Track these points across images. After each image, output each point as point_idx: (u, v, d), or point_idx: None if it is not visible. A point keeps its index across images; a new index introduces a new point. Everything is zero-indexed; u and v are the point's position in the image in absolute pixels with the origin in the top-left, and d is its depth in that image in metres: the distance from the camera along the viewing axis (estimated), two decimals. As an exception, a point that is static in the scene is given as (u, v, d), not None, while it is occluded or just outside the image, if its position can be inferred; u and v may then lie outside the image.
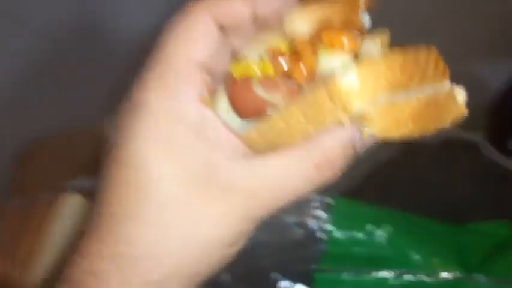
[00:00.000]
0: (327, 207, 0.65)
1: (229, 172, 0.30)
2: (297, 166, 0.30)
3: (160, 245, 0.31)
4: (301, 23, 0.32)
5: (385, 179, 0.76)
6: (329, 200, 0.65)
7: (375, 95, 0.28)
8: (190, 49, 0.31)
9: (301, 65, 0.31)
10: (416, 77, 0.29)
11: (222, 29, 0.32)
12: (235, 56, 0.35)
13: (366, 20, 0.34)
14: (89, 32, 1.04)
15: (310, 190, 0.31)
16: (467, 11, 0.96)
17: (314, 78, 0.31)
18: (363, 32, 0.32)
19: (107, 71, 1.05)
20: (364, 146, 0.31)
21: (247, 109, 0.33)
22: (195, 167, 0.30)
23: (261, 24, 0.33)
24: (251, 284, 0.65)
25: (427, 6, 0.96)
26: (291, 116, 0.30)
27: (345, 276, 0.62)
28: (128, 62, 1.04)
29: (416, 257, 0.62)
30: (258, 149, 0.32)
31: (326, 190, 0.70)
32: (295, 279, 0.64)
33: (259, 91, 0.32)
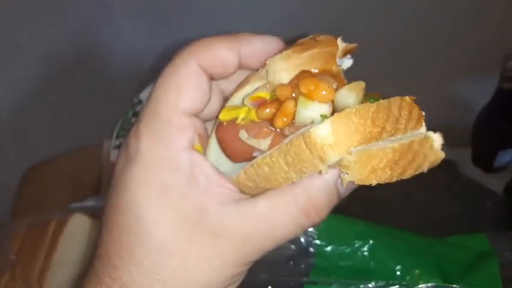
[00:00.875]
0: (315, 224, 0.67)
1: (220, 217, 0.31)
2: (285, 210, 0.31)
3: None
4: (283, 72, 0.33)
5: (368, 195, 0.79)
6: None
7: (349, 146, 0.29)
8: (178, 99, 0.32)
9: (281, 112, 0.32)
10: (388, 127, 0.30)
11: (211, 75, 0.33)
12: (225, 97, 0.37)
13: (347, 63, 0.35)
14: (88, 58, 1.08)
15: (297, 234, 0.32)
16: (450, 34, 1.00)
17: (294, 124, 0.31)
18: (340, 78, 0.33)
19: (106, 95, 1.09)
20: (347, 191, 0.33)
21: (235, 153, 0.35)
22: (187, 214, 0.31)
23: (246, 68, 0.35)
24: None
25: (411, 29, 0.99)
26: (274, 162, 0.31)
27: (334, 287, 0.65)
28: (124, 86, 1.08)
29: (398, 268, 0.65)
30: (248, 192, 0.33)
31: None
32: (288, 292, 0.67)
33: (243, 136, 0.33)
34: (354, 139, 0.29)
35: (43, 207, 0.86)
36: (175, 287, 0.31)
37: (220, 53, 0.33)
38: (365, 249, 0.66)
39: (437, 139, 0.32)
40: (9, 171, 1.01)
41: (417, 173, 0.31)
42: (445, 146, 0.90)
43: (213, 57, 0.33)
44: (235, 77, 0.36)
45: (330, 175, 0.31)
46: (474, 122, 1.02)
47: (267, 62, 0.34)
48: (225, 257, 0.31)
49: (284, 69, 0.33)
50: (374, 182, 0.30)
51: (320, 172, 0.30)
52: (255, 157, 0.33)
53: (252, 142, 0.33)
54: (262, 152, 0.33)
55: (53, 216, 0.77)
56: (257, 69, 0.35)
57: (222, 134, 0.35)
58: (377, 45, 0.97)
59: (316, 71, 0.34)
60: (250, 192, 0.33)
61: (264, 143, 0.33)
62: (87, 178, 0.95)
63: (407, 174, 0.31)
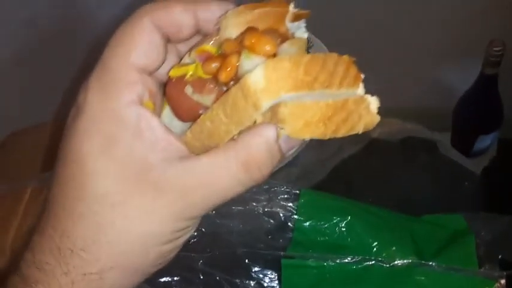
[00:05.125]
0: (295, 198, 0.68)
1: (163, 171, 0.31)
2: (225, 166, 0.31)
3: (95, 238, 0.31)
4: (233, 27, 0.34)
5: (348, 173, 0.80)
6: (297, 191, 0.68)
7: (280, 92, 0.28)
8: (128, 52, 0.32)
9: (225, 64, 0.32)
10: (321, 78, 0.30)
11: (167, 36, 0.33)
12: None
13: (298, 29, 0.35)
14: (70, 25, 1.05)
15: (240, 191, 0.32)
16: (433, 17, 1.00)
17: (238, 79, 0.31)
18: (286, 37, 0.33)
19: (87, 66, 1.07)
20: (289, 148, 0.32)
21: (182, 110, 0.34)
22: (130, 165, 0.31)
23: (201, 30, 0.34)
24: (226, 269, 0.68)
25: (393, 13, 0.99)
26: (215, 116, 0.31)
27: (310, 262, 0.66)
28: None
29: (375, 245, 0.65)
30: (195, 151, 0.33)
31: (296, 182, 0.74)
32: (265, 265, 0.68)
33: (189, 92, 0.33)
34: (285, 84, 0.29)
35: (20, 176, 0.84)
36: (116, 237, 0.31)
37: (175, 12, 0.33)
38: (343, 225, 0.66)
39: (373, 101, 0.32)
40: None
41: (351, 133, 0.31)
42: (427, 128, 0.90)
43: (167, 16, 0.33)
44: (193, 42, 0.35)
45: (270, 131, 0.30)
46: (455, 106, 1.03)
47: (220, 19, 0.34)
48: (165, 210, 0.31)
49: (234, 24, 0.34)
50: (307, 136, 0.30)
51: (255, 122, 0.30)
52: (199, 115, 0.33)
53: (197, 97, 0.33)
54: (206, 108, 0.33)
55: (28, 184, 0.76)
56: (210, 31, 0.35)
57: (169, 90, 0.35)
58: (357, 30, 0.96)
59: (263, 28, 0.34)
60: (197, 152, 0.33)
61: (208, 99, 0.33)
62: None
63: (341, 133, 0.31)
